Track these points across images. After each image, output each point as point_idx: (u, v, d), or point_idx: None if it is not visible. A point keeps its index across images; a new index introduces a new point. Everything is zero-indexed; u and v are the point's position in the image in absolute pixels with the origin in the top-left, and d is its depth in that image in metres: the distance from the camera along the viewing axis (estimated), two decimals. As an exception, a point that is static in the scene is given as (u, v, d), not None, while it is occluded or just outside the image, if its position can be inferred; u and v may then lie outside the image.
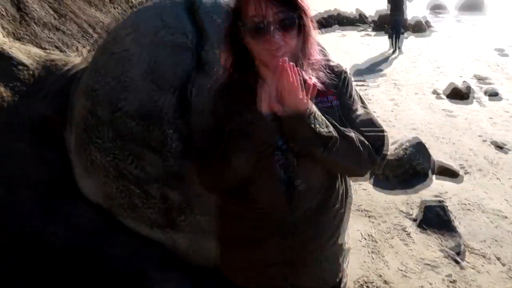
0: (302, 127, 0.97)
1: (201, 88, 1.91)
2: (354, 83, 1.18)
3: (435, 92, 6.61)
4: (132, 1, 10.92)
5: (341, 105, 1.11)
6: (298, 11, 0.99)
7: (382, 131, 1.13)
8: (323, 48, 1.19)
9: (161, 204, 2.04)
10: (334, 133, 1.01)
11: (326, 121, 1.01)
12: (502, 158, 4.33)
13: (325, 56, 1.13)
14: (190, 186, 1.98)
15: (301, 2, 1.00)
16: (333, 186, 1.16)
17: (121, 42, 2.09)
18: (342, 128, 1.04)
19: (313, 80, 1.02)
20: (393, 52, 10.02)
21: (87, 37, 7.10)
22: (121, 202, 2.13)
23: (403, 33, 10.62)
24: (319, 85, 1.03)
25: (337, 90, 1.11)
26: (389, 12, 10.30)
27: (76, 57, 4.46)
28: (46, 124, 2.58)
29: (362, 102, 1.16)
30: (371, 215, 3.27)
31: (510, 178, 3.87)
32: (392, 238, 2.98)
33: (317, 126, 0.97)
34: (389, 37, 10.37)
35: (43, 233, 2.09)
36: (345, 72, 1.14)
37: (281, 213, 1.09)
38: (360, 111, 1.14)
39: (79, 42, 6.68)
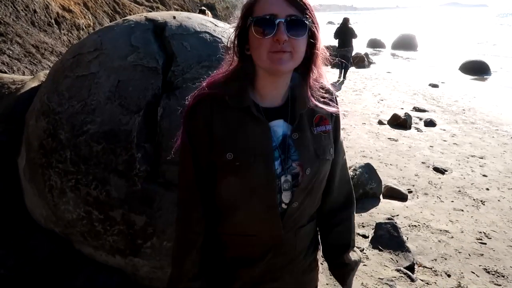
0: None
1: (170, 111, 1.92)
2: None
3: (380, 122, 7.06)
4: (81, 26, 10.60)
5: (334, 130, 1.16)
6: (310, 18, 0.98)
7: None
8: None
9: (126, 230, 1.97)
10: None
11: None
12: (443, 181, 4.68)
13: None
14: (157, 211, 1.94)
15: (312, 11, 0.99)
16: (319, 203, 1.20)
17: (87, 65, 2.05)
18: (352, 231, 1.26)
19: (320, 112, 1.09)
20: (341, 81, 10.93)
21: (34, 62, 6.81)
22: (81, 230, 2.03)
23: (350, 66, 11.79)
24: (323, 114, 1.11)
25: (331, 118, 1.14)
26: (337, 47, 11.04)
27: (25, 76, 4.25)
28: (-4, 149, 2.42)
29: None
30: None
31: (452, 201, 4.18)
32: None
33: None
34: (339, 68, 11.35)
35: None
36: (336, 99, 1.17)
37: (276, 236, 1.08)
38: (342, 142, 1.23)
39: (26, 67, 6.39)
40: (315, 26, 0.99)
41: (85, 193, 1.95)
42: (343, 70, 11.24)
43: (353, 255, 1.24)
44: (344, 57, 10.77)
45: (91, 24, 12.14)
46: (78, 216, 2.00)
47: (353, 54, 12.18)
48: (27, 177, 2.26)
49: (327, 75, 1.17)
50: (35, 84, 2.66)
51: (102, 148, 1.90)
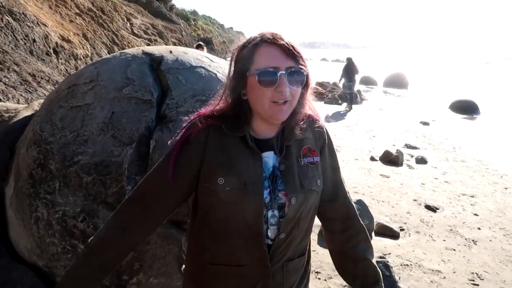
0: None
1: (162, 144, 1.92)
2: None
3: (372, 158, 7.10)
4: (79, 56, 10.76)
5: (328, 163, 1.20)
6: (305, 70, 1.05)
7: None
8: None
9: (112, 265, 1.92)
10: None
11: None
12: (435, 219, 4.66)
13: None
14: (145, 245, 1.90)
15: (305, 60, 1.06)
16: (308, 236, 1.21)
17: (82, 96, 2.07)
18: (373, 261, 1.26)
19: (308, 143, 1.14)
20: (349, 110, 12.85)
21: (29, 90, 6.84)
22: (66, 264, 1.97)
23: (355, 98, 13.95)
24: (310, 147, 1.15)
25: (323, 149, 1.20)
26: (344, 82, 13.39)
27: (19, 104, 4.24)
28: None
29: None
30: (320, 276, 3.28)
31: (444, 240, 4.15)
32: (342, 300, 3.00)
33: None
34: (345, 100, 13.50)
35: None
36: (327, 130, 1.22)
37: (263, 267, 1.08)
38: (339, 171, 1.26)
39: (21, 95, 6.40)
40: (308, 74, 1.07)
41: (72, 226, 1.91)
42: (349, 101, 13.17)
43: None
44: (350, 89, 13.21)
45: (89, 54, 12.33)
46: (63, 250, 1.95)
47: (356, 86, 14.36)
48: (13, 207, 2.21)
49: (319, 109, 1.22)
50: (28, 113, 2.66)
51: (92, 180, 1.88)
